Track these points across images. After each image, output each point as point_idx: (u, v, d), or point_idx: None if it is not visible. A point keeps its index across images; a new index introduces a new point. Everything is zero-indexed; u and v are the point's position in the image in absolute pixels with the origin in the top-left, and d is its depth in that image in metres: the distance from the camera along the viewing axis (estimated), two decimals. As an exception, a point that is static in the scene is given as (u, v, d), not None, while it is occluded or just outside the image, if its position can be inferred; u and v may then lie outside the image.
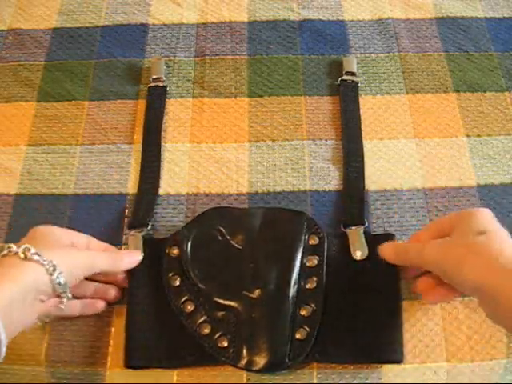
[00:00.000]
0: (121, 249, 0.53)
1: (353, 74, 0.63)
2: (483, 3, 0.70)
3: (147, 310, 0.49)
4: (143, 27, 0.69)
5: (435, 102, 0.62)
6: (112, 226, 0.55)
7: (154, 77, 0.64)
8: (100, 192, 0.57)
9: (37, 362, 0.48)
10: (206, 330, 0.47)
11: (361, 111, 0.61)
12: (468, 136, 0.60)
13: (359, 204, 0.55)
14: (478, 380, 0.47)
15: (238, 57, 0.66)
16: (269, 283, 0.48)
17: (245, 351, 0.46)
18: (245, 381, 0.48)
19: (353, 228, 0.52)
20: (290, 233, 0.51)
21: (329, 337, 0.47)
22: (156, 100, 0.62)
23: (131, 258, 0.49)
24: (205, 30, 0.68)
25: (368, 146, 0.59)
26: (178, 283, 0.49)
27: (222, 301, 0.48)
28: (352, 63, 0.64)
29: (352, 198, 0.56)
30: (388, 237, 0.52)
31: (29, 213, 0.56)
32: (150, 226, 0.53)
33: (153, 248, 0.52)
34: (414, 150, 0.59)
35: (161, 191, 0.57)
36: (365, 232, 0.52)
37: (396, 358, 0.47)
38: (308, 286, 0.49)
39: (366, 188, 0.56)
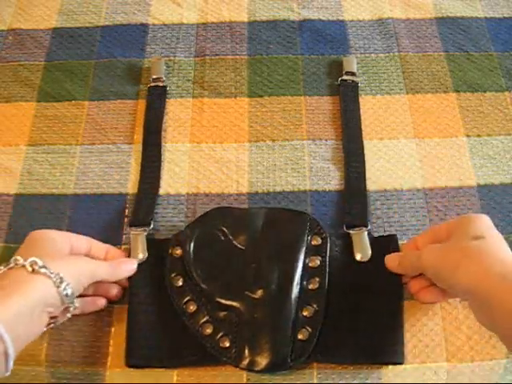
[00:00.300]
0: (121, 248, 0.53)
1: (353, 74, 0.63)
2: (483, 3, 0.70)
3: (149, 309, 0.49)
4: (143, 27, 0.69)
5: (435, 102, 0.62)
6: (112, 226, 0.55)
7: (154, 77, 0.64)
8: (100, 192, 0.57)
9: (37, 362, 0.48)
10: (208, 330, 0.47)
11: (361, 111, 0.62)
12: (468, 136, 0.60)
13: (361, 205, 0.55)
14: (478, 380, 0.47)
15: (238, 57, 0.66)
16: (271, 283, 0.48)
17: (247, 351, 0.46)
18: (245, 381, 0.48)
19: (356, 229, 0.52)
20: (292, 233, 0.51)
21: (331, 337, 0.47)
22: (156, 100, 0.62)
23: (128, 266, 0.49)
24: (205, 30, 0.68)
25: (368, 146, 0.59)
26: (180, 283, 0.49)
27: (224, 301, 0.48)
28: (352, 63, 0.64)
29: (354, 198, 0.56)
30: (391, 239, 0.52)
31: (29, 213, 0.56)
32: (152, 226, 0.53)
33: (155, 248, 0.52)
34: (414, 150, 0.59)
35: (161, 191, 0.57)
36: (368, 233, 0.52)
37: (397, 360, 0.47)
38: (310, 286, 0.49)
39: (366, 188, 0.56)
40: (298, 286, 0.48)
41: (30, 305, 0.40)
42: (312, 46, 0.67)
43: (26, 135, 0.61)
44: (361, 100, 0.62)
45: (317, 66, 0.65)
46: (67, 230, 0.54)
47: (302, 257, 0.49)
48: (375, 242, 0.52)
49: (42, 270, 0.41)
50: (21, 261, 0.41)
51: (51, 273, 0.41)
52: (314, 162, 0.59)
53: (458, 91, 0.63)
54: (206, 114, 0.62)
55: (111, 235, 0.54)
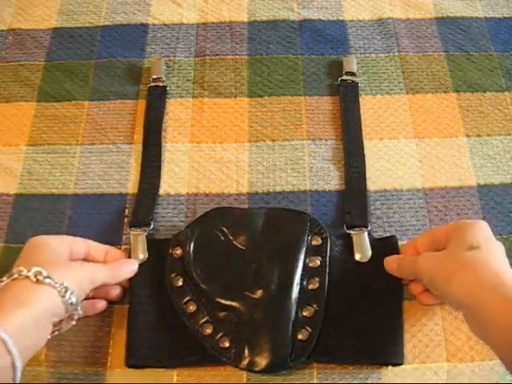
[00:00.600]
0: (121, 249, 0.53)
1: (353, 74, 0.63)
2: (483, 3, 0.70)
3: (149, 309, 0.49)
4: (143, 27, 0.69)
5: (435, 102, 0.62)
6: (112, 226, 0.55)
7: (154, 77, 0.64)
8: (100, 192, 0.57)
9: (37, 362, 0.48)
10: (208, 331, 0.47)
11: (361, 111, 0.61)
12: (468, 136, 0.60)
13: (361, 205, 0.55)
14: (478, 380, 0.47)
15: (238, 57, 0.66)
16: (271, 284, 0.48)
17: (246, 352, 0.46)
18: (245, 381, 0.48)
19: (356, 230, 0.52)
20: (292, 233, 0.51)
21: (331, 338, 0.47)
22: (156, 100, 0.62)
23: (129, 267, 0.49)
24: (205, 30, 0.68)
25: (368, 146, 0.59)
26: (180, 283, 0.49)
27: (224, 301, 0.48)
28: (352, 63, 0.64)
29: (354, 198, 0.56)
30: (391, 240, 0.52)
31: (29, 213, 0.56)
32: (152, 226, 0.53)
33: (155, 248, 0.52)
34: (413, 150, 0.59)
35: (161, 191, 0.57)
36: (368, 234, 0.52)
37: (397, 360, 0.47)
38: (310, 286, 0.49)
39: (366, 188, 0.56)
40: (298, 286, 0.48)
41: (36, 316, 0.40)
42: (312, 46, 0.67)
43: (26, 135, 0.61)
44: (361, 100, 0.62)
45: (317, 66, 0.65)
46: (67, 230, 0.55)
47: (302, 257, 0.49)
48: (375, 242, 0.52)
49: (47, 281, 0.41)
50: (24, 271, 0.41)
51: (56, 282, 0.41)
52: (314, 162, 0.59)
53: (458, 91, 0.63)
54: (206, 114, 0.62)
55: (111, 235, 0.54)
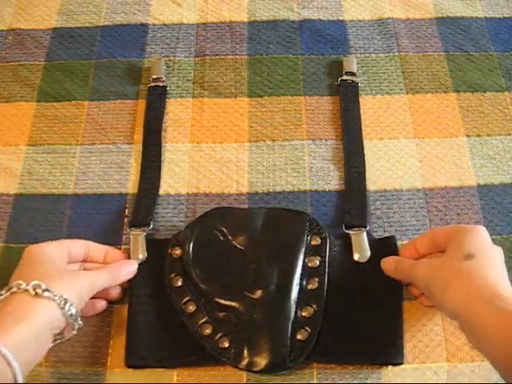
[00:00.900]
0: (120, 249, 0.53)
1: (353, 74, 0.63)
2: (483, 3, 0.70)
3: (149, 310, 0.49)
4: (143, 27, 0.69)
5: (435, 102, 0.62)
6: (112, 226, 0.55)
7: (154, 77, 0.64)
8: (100, 192, 0.57)
9: (37, 362, 0.48)
10: (208, 331, 0.47)
11: (361, 111, 0.61)
12: (468, 136, 0.60)
13: (361, 205, 0.55)
14: (478, 380, 0.47)
15: (238, 57, 0.66)
16: (270, 284, 0.48)
17: (246, 352, 0.46)
18: (245, 381, 0.48)
19: (355, 230, 0.52)
20: (292, 233, 0.51)
21: (330, 338, 0.47)
22: (156, 100, 0.62)
23: (128, 268, 0.49)
24: (205, 30, 0.68)
25: (368, 146, 0.59)
26: (179, 284, 0.49)
27: (223, 301, 0.48)
28: (352, 63, 0.64)
29: (353, 198, 0.56)
30: (390, 240, 0.52)
31: (29, 213, 0.56)
32: (151, 226, 0.53)
33: (155, 248, 0.52)
34: (413, 150, 0.59)
35: (161, 191, 0.57)
36: (367, 234, 0.52)
37: (397, 360, 0.47)
38: (310, 286, 0.49)
39: (366, 188, 0.56)
40: (298, 286, 0.48)
41: (37, 330, 0.40)
42: (312, 46, 0.67)
43: (26, 135, 0.61)
44: (361, 100, 0.62)
45: (317, 66, 0.65)
46: (67, 230, 0.55)
47: (301, 257, 0.49)
48: (374, 242, 0.52)
49: (46, 294, 0.41)
50: (23, 285, 0.41)
51: (55, 295, 0.41)
52: (314, 162, 0.59)
53: (458, 91, 0.63)
54: (206, 114, 0.62)
55: (111, 235, 0.54)
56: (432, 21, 0.69)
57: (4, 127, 0.62)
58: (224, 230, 0.51)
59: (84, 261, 0.50)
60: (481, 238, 0.44)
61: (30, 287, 0.41)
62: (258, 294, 0.47)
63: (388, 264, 0.49)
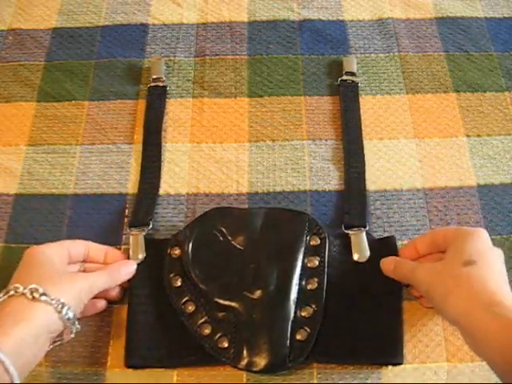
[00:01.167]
0: (120, 249, 0.53)
1: (353, 74, 0.63)
2: (483, 3, 0.70)
3: (148, 310, 0.49)
4: (143, 27, 0.69)
5: (435, 102, 0.62)
6: (112, 226, 0.55)
7: (154, 77, 0.64)
8: (100, 192, 0.57)
9: (37, 362, 0.48)
10: (207, 331, 0.47)
11: (361, 111, 0.61)
12: (468, 136, 0.60)
13: (361, 205, 0.55)
14: (478, 380, 0.47)
15: (238, 57, 0.66)
16: (270, 284, 0.48)
17: (245, 352, 0.46)
18: (244, 381, 0.48)
19: (354, 230, 0.52)
20: (291, 233, 0.51)
21: (330, 338, 0.47)
22: (156, 100, 0.62)
23: (127, 268, 0.49)
24: (205, 30, 0.68)
25: (368, 146, 0.59)
26: (179, 284, 0.49)
27: (222, 301, 0.48)
28: (352, 63, 0.64)
29: (353, 198, 0.56)
30: (390, 240, 0.52)
31: (29, 213, 0.56)
32: (151, 226, 0.53)
33: (154, 249, 0.52)
34: (414, 150, 0.59)
35: (161, 191, 0.57)
36: (366, 234, 0.52)
37: (397, 360, 0.47)
38: (309, 286, 0.48)
39: (366, 188, 0.56)
40: (297, 287, 0.48)
41: (34, 333, 0.40)
42: (312, 46, 0.67)
43: (26, 135, 0.61)
44: (361, 100, 0.62)
45: (317, 66, 0.65)
46: (67, 230, 0.55)
47: (300, 257, 0.49)
48: (374, 242, 0.52)
49: (43, 298, 0.41)
50: (20, 288, 0.41)
51: (52, 299, 0.41)
52: (314, 162, 0.59)
53: (458, 91, 0.63)
54: (206, 114, 0.62)
55: (111, 235, 0.54)
56: (432, 21, 0.69)
57: (4, 127, 0.62)
58: (223, 230, 0.51)
59: (84, 261, 0.50)
60: (481, 241, 0.44)
61: (27, 291, 0.41)
62: (258, 294, 0.47)
63: (387, 264, 0.49)
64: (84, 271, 0.49)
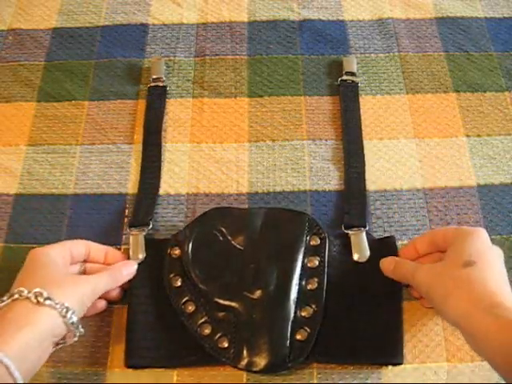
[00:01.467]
0: (120, 249, 0.53)
1: (353, 74, 0.63)
2: (483, 3, 0.70)
3: (148, 310, 0.49)
4: (143, 27, 0.69)
5: (435, 102, 0.62)
6: (112, 226, 0.55)
7: (154, 77, 0.64)
8: (100, 192, 0.57)
9: (37, 362, 0.48)
10: (207, 331, 0.47)
11: (361, 111, 0.61)
12: (468, 136, 0.60)
13: (360, 205, 0.55)
14: (478, 380, 0.47)
15: (238, 57, 0.66)
16: (270, 284, 0.48)
17: (245, 352, 0.46)
18: (244, 381, 0.48)
19: (354, 230, 0.52)
20: (291, 233, 0.51)
21: (330, 338, 0.47)
22: (156, 100, 0.62)
23: (129, 268, 0.49)
24: (205, 30, 0.68)
25: (368, 146, 0.59)
26: (179, 284, 0.49)
27: (222, 301, 0.48)
28: (352, 63, 0.64)
29: (353, 198, 0.56)
30: (390, 240, 0.52)
31: (29, 213, 0.56)
32: (151, 226, 0.53)
33: (154, 248, 0.52)
34: (413, 150, 0.59)
35: (161, 191, 0.57)
36: (366, 234, 0.52)
37: (397, 360, 0.47)
38: (309, 286, 0.48)
39: (366, 188, 0.56)
40: (297, 287, 0.48)
41: (38, 337, 0.40)
42: (312, 46, 0.67)
43: (26, 135, 0.61)
44: (361, 100, 0.62)
45: (317, 66, 0.65)
46: (67, 230, 0.55)
47: (300, 257, 0.49)
48: (374, 242, 0.52)
49: (47, 302, 0.41)
50: (25, 292, 0.41)
51: (56, 303, 0.41)
52: (314, 162, 0.59)
53: (458, 91, 0.63)
54: (206, 114, 0.62)
55: (111, 235, 0.54)
56: (432, 21, 0.69)
57: (4, 127, 0.62)
58: (223, 230, 0.51)
59: (85, 261, 0.50)
60: (480, 241, 0.44)
61: (31, 295, 0.41)
62: (258, 294, 0.47)
63: (387, 264, 0.49)
64: (84, 271, 0.49)
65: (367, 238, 0.52)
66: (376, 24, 0.68)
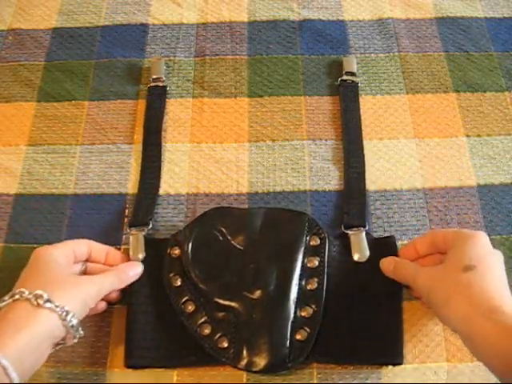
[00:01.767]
0: (120, 248, 0.53)
1: (353, 74, 0.63)
2: (483, 3, 0.70)
3: (148, 310, 0.49)
4: (143, 27, 0.69)
5: (435, 102, 0.62)
6: (112, 226, 0.55)
7: (154, 77, 0.64)
8: (100, 192, 0.57)
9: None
10: (207, 331, 0.47)
11: (361, 111, 0.61)
12: (468, 136, 0.60)
13: (360, 205, 0.55)
14: (478, 380, 0.47)
15: (238, 57, 0.66)
16: (269, 284, 0.48)
17: (245, 352, 0.46)
18: (244, 381, 0.48)
19: (354, 230, 0.52)
20: (291, 233, 0.51)
21: (329, 338, 0.47)
22: (156, 100, 0.62)
23: (134, 270, 0.49)
24: (205, 30, 0.68)
25: (368, 146, 0.59)
26: (178, 283, 0.49)
27: (222, 301, 0.48)
28: (352, 63, 0.64)
29: (353, 198, 0.56)
30: (390, 240, 0.52)
31: (29, 213, 0.56)
32: (150, 225, 0.53)
33: (154, 248, 0.52)
34: (413, 150, 0.59)
35: (161, 191, 0.57)
36: (366, 234, 0.52)
37: (397, 360, 0.47)
38: (309, 286, 0.48)
39: (365, 188, 0.56)
40: (297, 287, 0.48)
41: (37, 339, 0.40)
42: (312, 46, 0.67)
43: (26, 135, 0.61)
44: (361, 100, 0.62)
45: (317, 66, 0.65)
46: (67, 230, 0.55)
47: (300, 257, 0.49)
48: (373, 242, 0.52)
49: (47, 305, 0.41)
50: (26, 293, 0.41)
51: (56, 306, 0.41)
52: (314, 162, 0.59)
53: (458, 91, 0.63)
54: (206, 114, 0.62)
55: (111, 235, 0.54)
56: (432, 21, 0.69)
57: (4, 127, 0.62)
58: (223, 229, 0.51)
59: (86, 260, 0.50)
60: (481, 245, 0.44)
61: (31, 296, 0.41)
62: (257, 294, 0.47)
63: (387, 264, 0.49)
64: (85, 270, 0.49)
65: (367, 237, 0.52)
66: (376, 24, 0.68)
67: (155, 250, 0.51)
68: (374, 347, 0.47)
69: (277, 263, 0.49)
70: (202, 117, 0.62)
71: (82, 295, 0.43)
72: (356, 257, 0.51)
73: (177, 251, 0.50)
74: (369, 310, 0.49)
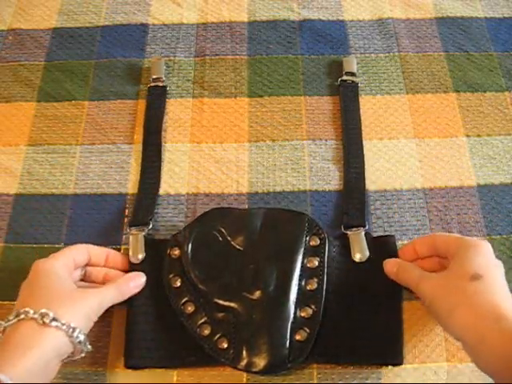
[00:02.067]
0: (120, 249, 0.53)
1: (353, 74, 0.63)
2: (483, 3, 0.70)
3: (148, 310, 0.49)
4: (143, 27, 0.69)
5: (435, 102, 0.62)
6: (112, 226, 0.55)
7: (154, 77, 0.64)
8: (100, 192, 0.57)
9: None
10: (206, 331, 0.47)
11: (361, 111, 0.61)
12: (468, 136, 0.60)
13: (360, 205, 0.55)
14: (478, 380, 0.47)
15: (238, 57, 0.66)
16: (269, 284, 0.48)
17: (245, 352, 0.46)
18: (244, 381, 0.48)
19: (353, 230, 0.52)
20: (290, 234, 0.50)
21: (329, 338, 0.47)
22: (156, 100, 0.62)
23: (136, 282, 0.49)
24: (205, 30, 0.68)
25: (368, 146, 0.59)
26: (178, 284, 0.49)
27: (222, 302, 0.47)
28: (352, 63, 0.64)
29: (352, 198, 0.55)
30: (389, 239, 0.52)
31: (29, 213, 0.56)
32: (150, 225, 0.53)
33: (154, 249, 0.51)
34: (413, 150, 0.59)
35: (161, 191, 0.57)
36: (366, 234, 0.52)
37: (397, 360, 0.47)
38: (308, 287, 0.48)
39: (365, 188, 0.56)
40: (296, 287, 0.48)
41: (45, 358, 0.40)
42: (312, 46, 0.67)
43: (26, 135, 0.61)
44: (361, 100, 0.62)
45: (317, 66, 0.65)
46: (67, 230, 0.55)
47: (300, 257, 0.49)
48: (373, 242, 0.52)
49: (53, 324, 0.41)
50: (31, 313, 0.41)
51: (63, 324, 0.41)
52: (314, 162, 0.59)
53: (458, 91, 0.63)
54: (206, 114, 0.62)
55: (111, 235, 0.54)
56: (432, 21, 0.69)
57: (4, 127, 0.62)
58: (223, 230, 0.51)
59: (86, 265, 0.49)
60: (486, 255, 0.44)
61: (37, 316, 0.41)
62: (257, 294, 0.47)
63: (390, 267, 0.48)
64: (85, 275, 0.49)
65: (367, 238, 0.52)
66: (376, 24, 0.68)
67: (155, 251, 0.51)
68: (373, 347, 0.47)
69: (276, 263, 0.49)
70: (202, 117, 0.62)
71: (86, 309, 0.43)
72: (356, 257, 0.51)
73: (177, 252, 0.50)
74: (368, 310, 0.49)
